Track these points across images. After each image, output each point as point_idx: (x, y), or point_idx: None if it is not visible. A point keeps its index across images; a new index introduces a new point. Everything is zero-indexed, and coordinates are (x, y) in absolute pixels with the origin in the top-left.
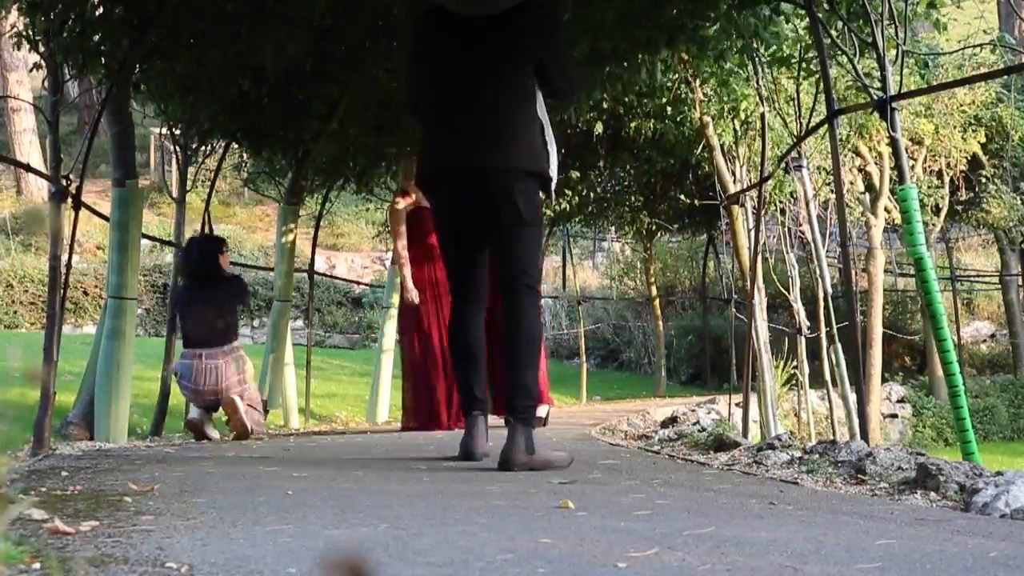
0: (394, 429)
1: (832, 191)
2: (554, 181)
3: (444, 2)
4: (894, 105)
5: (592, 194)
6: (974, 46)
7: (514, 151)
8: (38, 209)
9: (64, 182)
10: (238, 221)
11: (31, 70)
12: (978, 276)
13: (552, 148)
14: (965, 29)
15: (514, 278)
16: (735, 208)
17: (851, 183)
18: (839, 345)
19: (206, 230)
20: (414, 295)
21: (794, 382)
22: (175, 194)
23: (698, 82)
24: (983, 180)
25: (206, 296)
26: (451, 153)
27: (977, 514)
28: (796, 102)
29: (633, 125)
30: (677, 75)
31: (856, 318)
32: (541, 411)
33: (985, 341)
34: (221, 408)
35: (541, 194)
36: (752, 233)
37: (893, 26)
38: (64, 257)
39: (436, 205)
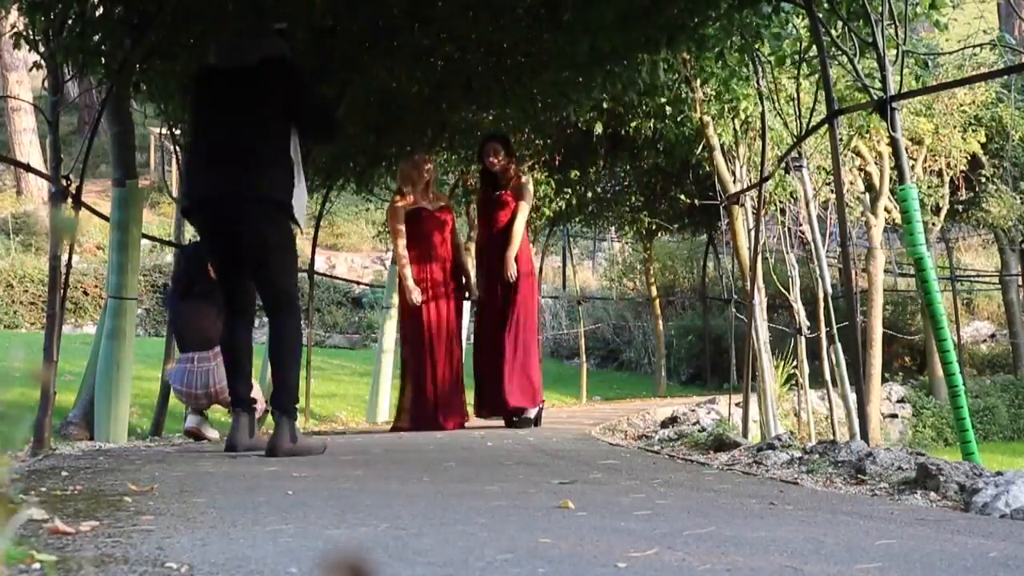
0: (391, 429)
1: (832, 191)
2: (300, 216)
3: (210, 57)
4: (894, 105)
5: (592, 194)
6: (974, 46)
7: (258, 182)
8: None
9: (64, 182)
10: None
11: (31, 70)
12: (978, 276)
13: (300, 185)
14: (965, 29)
15: (275, 298)
16: (735, 208)
17: (851, 183)
18: (839, 345)
19: (194, 236)
20: (416, 295)
21: (794, 382)
22: (175, 194)
23: (698, 82)
24: (983, 180)
25: (196, 303)
26: (205, 182)
27: (977, 514)
28: (796, 102)
29: (633, 125)
30: (677, 75)
31: (856, 318)
32: (531, 412)
33: (985, 341)
34: (223, 407)
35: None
36: (752, 233)
37: (893, 26)
38: (64, 257)
39: (198, 230)
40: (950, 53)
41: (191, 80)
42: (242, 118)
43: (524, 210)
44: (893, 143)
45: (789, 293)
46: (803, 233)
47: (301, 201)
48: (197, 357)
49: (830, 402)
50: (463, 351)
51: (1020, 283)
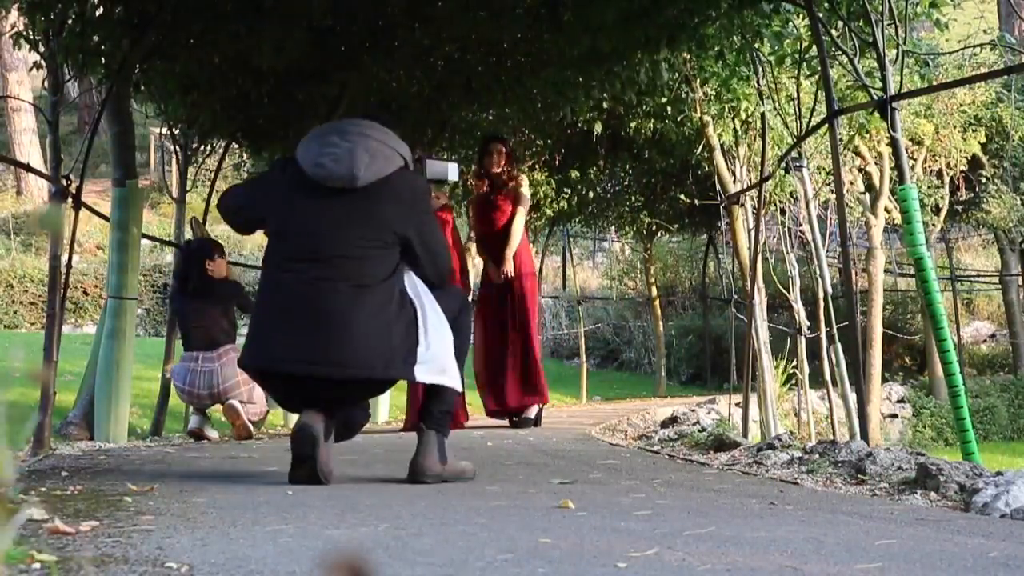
0: (394, 429)
1: (832, 191)
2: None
3: (306, 169)
4: (894, 105)
5: (592, 194)
6: (974, 46)
7: (364, 357)
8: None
9: (64, 182)
10: None
11: (31, 70)
12: (978, 276)
13: (427, 333)
14: (965, 29)
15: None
16: (735, 208)
17: (851, 183)
18: (839, 345)
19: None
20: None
21: (794, 382)
22: (175, 194)
23: (698, 82)
24: (983, 180)
25: (198, 303)
26: (286, 348)
27: (977, 514)
28: (796, 102)
29: (633, 125)
30: (678, 75)
31: (856, 318)
32: (532, 411)
33: (985, 341)
34: (222, 412)
35: None
36: (752, 233)
37: (893, 26)
38: (64, 257)
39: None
40: (950, 53)
41: (271, 174)
42: (345, 262)
43: (522, 213)
44: (893, 143)
45: (789, 293)
46: (803, 233)
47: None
48: (202, 357)
49: (830, 402)
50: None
51: (1020, 283)
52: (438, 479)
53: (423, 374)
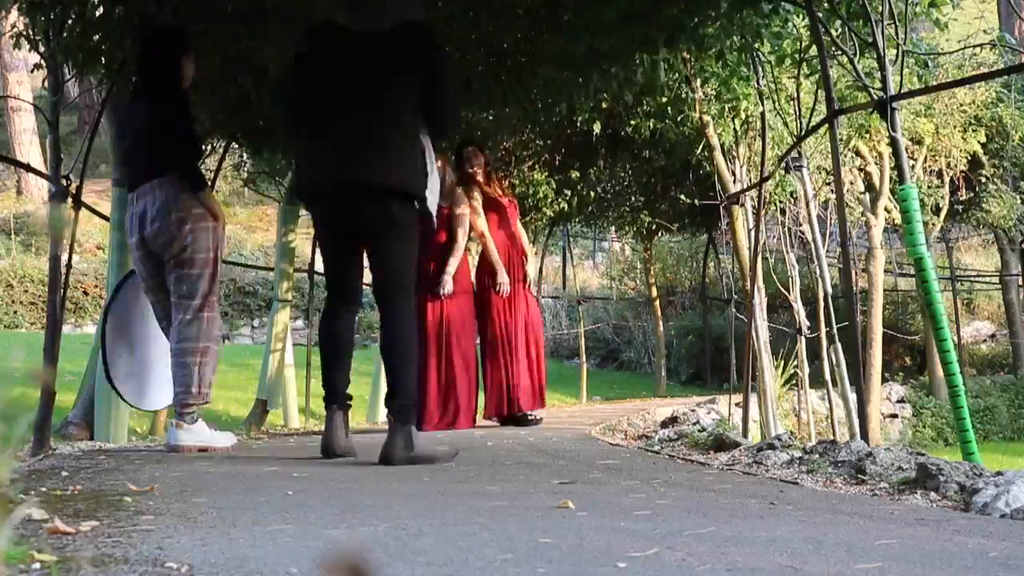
0: None
1: (832, 191)
2: (432, 205)
3: (333, 16)
4: (894, 105)
5: (592, 194)
6: (974, 46)
7: (389, 172)
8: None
9: (64, 182)
10: (238, 221)
11: (32, 70)
12: (978, 276)
13: (433, 173)
14: (965, 29)
15: (387, 284)
16: (735, 208)
17: (851, 183)
18: (839, 345)
19: None
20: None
21: (794, 382)
22: None
23: (698, 82)
24: (983, 180)
25: (141, 110)
26: (328, 170)
27: (977, 514)
28: (796, 102)
29: (633, 124)
30: (677, 75)
31: (856, 318)
32: (541, 412)
33: (985, 341)
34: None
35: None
36: (752, 233)
37: (893, 26)
38: (64, 257)
39: (314, 217)
40: (950, 53)
41: (299, 40)
42: (372, 95)
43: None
44: (893, 143)
45: (789, 293)
46: (803, 233)
47: (435, 193)
48: (137, 196)
49: (830, 402)
50: (476, 351)
51: (1020, 283)
52: (408, 462)
53: (431, 201)
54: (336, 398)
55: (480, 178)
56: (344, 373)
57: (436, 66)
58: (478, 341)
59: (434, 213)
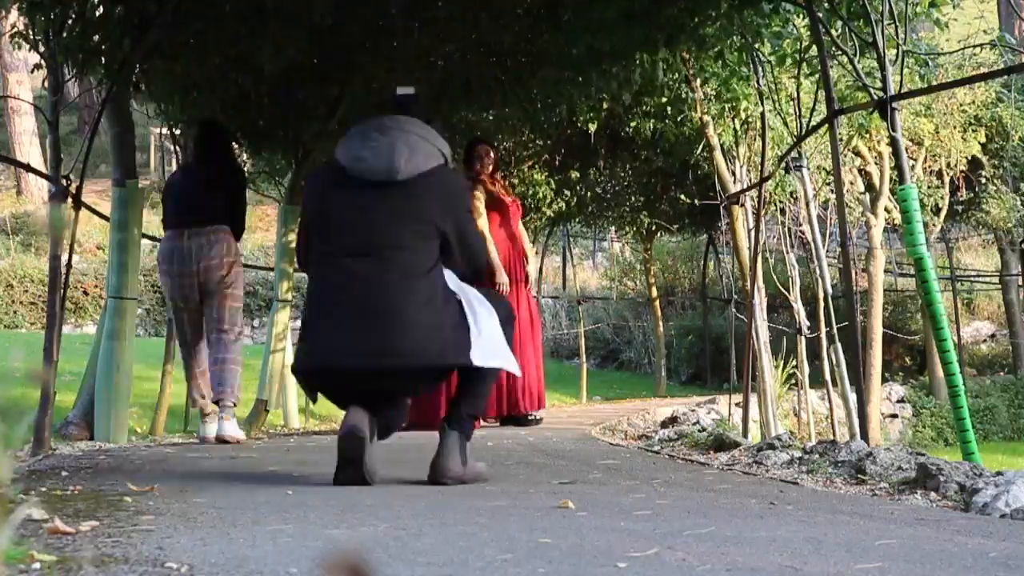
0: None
1: (832, 191)
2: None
3: (346, 164)
4: (894, 105)
5: (592, 194)
6: (974, 46)
7: (420, 346)
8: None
9: (64, 182)
10: None
11: (32, 70)
12: (978, 276)
13: (476, 323)
14: (965, 29)
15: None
16: (735, 208)
17: (851, 183)
18: (839, 345)
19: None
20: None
21: (794, 382)
22: None
23: (698, 82)
24: (983, 180)
25: (195, 178)
26: (343, 344)
27: (977, 514)
28: (796, 102)
29: (632, 125)
30: (677, 75)
31: (856, 318)
32: (541, 412)
33: (985, 341)
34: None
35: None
36: (752, 233)
37: (893, 26)
38: (64, 257)
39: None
40: (950, 53)
41: (310, 184)
42: (392, 254)
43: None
44: (893, 143)
45: (789, 293)
46: (803, 233)
47: (487, 343)
48: (188, 233)
49: (830, 402)
50: None
51: (1020, 283)
52: (458, 481)
53: (479, 358)
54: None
55: (486, 177)
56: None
57: (461, 220)
58: None
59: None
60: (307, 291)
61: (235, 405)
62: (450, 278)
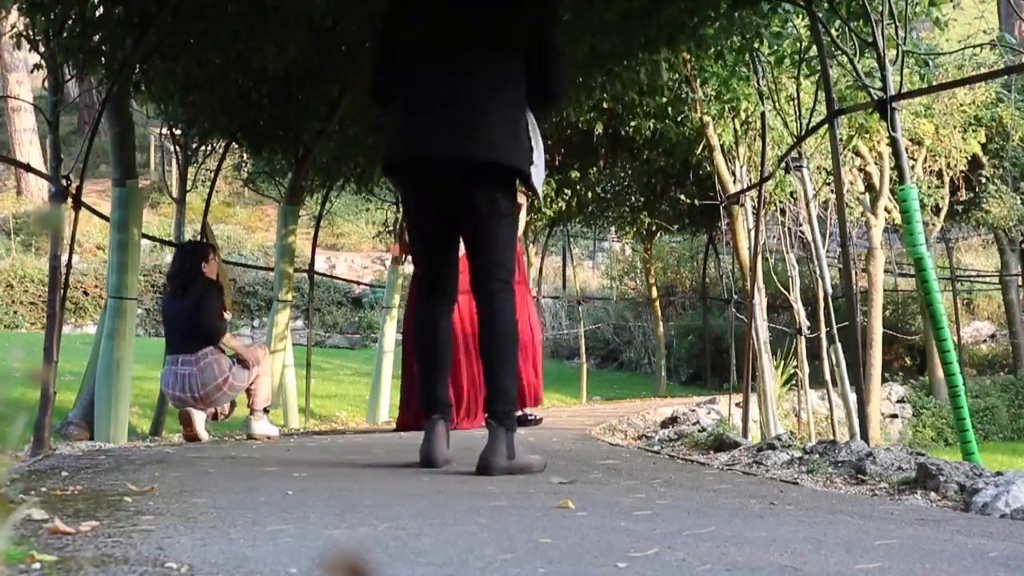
0: (394, 429)
1: (832, 191)
2: (539, 181)
3: None
4: (894, 105)
5: (592, 194)
6: (974, 46)
7: (492, 143)
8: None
9: (64, 182)
10: (238, 221)
11: (32, 71)
12: (978, 276)
13: (538, 144)
14: (965, 29)
15: (488, 272)
16: (735, 208)
17: (851, 183)
18: (839, 345)
19: (194, 235)
20: None
21: (794, 382)
22: (175, 194)
23: (698, 82)
24: (983, 180)
25: (181, 304)
26: (423, 140)
27: (977, 514)
28: (796, 102)
29: (633, 125)
30: (678, 75)
31: (856, 318)
32: (539, 412)
33: (985, 341)
34: (178, 416)
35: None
36: (752, 233)
37: (893, 26)
38: (64, 257)
39: (404, 194)
40: (950, 53)
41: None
42: (474, 54)
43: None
44: (893, 143)
45: (789, 293)
46: (803, 233)
47: (540, 170)
48: (181, 360)
49: (830, 402)
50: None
51: (1020, 283)
52: (505, 472)
53: (537, 179)
54: (437, 406)
55: None
56: (444, 377)
57: (542, 22)
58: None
59: (541, 192)
60: (395, 88)
61: (267, 411)
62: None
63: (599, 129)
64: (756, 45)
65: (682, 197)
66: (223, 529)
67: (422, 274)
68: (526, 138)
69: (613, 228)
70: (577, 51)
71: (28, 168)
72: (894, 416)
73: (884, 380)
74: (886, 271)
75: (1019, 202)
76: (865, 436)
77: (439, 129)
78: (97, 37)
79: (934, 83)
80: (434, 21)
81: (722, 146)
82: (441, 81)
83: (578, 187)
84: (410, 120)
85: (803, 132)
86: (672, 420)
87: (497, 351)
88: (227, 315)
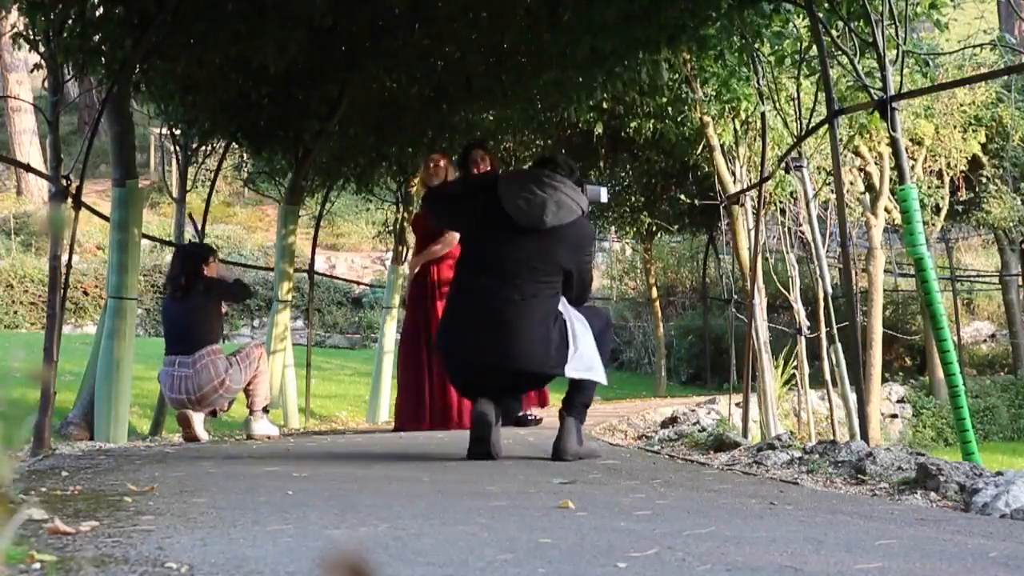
0: (394, 429)
1: (832, 191)
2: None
3: (504, 203)
4: (894, 105)
5: None
6: (974, 46)
7: (531, 354)
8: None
9: (64, 182)
10: (238, 221)
11: (32, 70)
12: (978, 276)
13: (586, 343)
14: (965, 29)
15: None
16: (735, 208)
17: (851, 183)
18: (839, 345)
19: (193, 237)
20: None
21: (794, 382)
22: (175, 194)
23: (698, 82)
24: (983, 180)
25: (181, 305)
26: (472, 346)
27: (977, 514)
28: (796, 102)
29: (633, 125)
30: (678, 75)
31: (856, 318)
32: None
33: (985, 341)
34: (176, 418)
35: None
36: (752, 233)
37: (893, 26)
38: (64, 257)
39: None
40: (950, 53)
41: (468, 190)
42: (522, 279)
43: None
44: (893, 143)
45: (789, 293)
46: (803, 233)
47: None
48: (178, 362)
49: (830, 402)
50: None
51: (1020, 283)
52: (576, 457)
53: (572, 371)
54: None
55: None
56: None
57: (583, 262)
58: None
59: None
60: (451, 293)
61: (266, 411)
62: (562, 303)
63: (599, 129)
64: (756, 45)
65: (682, 197)
66: (223, 529)
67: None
68: (559, 344)
69: (613, 228)
70: (577, 51)
71: (28, 168)
72: (894, 416)
73: (884, 380)
74: (886, 271)
75: (1019, 202)
76: (865, 436)
77: (489, 343)
78: (97, 37)
79: (934, 83)
80: (495, 255)
81: (722, 146)
82: (491, 305)
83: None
84: (464, 328)
85: (803, 132)
86: (672, 420)
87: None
88: (223, 308)
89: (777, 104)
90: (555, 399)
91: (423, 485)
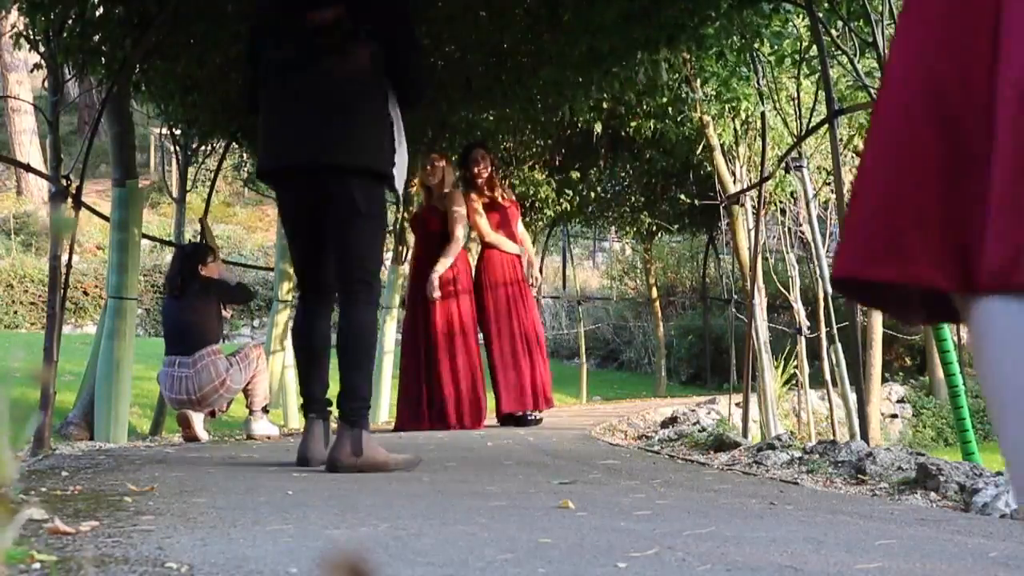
0: (393, 429)
1: (832, 191)
2: (399, 181)
3: None
4: None
5: (592, 194)
6: None
7: (354, 147)
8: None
9: (64, 182)
10: (238, 221)
11: (32, 70)
12: None
13: (400, 147)
14: None
15: (350, 274)
16: (735, 208)
17: (851, 183)
18: (839, 345)
19: (193, 236)
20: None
21: (794, 382)
22: (175, 194)
23: (698, 82)
24: None
25: (180, 305)
26: (287, 148)
27: (977, 514)
28: (796, 102)
29: (633, 125)
30: (678, 75)
31: (856, 318)
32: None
33: None
34: (176, 418)
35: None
36: (752, 233)
37: (893, 26)
38: (64, 257)
39: (278, 198)
40: None
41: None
42: (332, 60)
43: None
44: None
45: (789, 293)
46: (803, 233)
47: (403, 168)
48: (178, 362)
49: (830, 402)
50: (479, 350)
51: None
52: (353, 469)
53: (398, 179)
54: (314, 405)
55: (482, 181)
56: (321, 377)
57: (398, 21)
58: (481, 341)
59: (401, 191)
60: (263, 100)
61: (266, 410)
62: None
63: (599, 129)
64: (756, 45)
65: (682, 197)
66: (223, 529)
67: (298, 276)
68: (388, 139)
69: (613, 228)
70: (576, 51)
71: (28, 168)
72: (894, 416)
73: (884, 380)
74: None
75: None
76: (865, 436)
77: (298, 136)
78: (97, 37)
79: None
80: (293, 28)
81: (722, 146)
82: (304, 94)
83: (578, 187)
84: (272, 130)
85: (803, 132)
86: (672, 420)
87: (350, 351)
88: (226, 313)
89: (777, 104)
90: (556, 399)
91: (423, 485)
